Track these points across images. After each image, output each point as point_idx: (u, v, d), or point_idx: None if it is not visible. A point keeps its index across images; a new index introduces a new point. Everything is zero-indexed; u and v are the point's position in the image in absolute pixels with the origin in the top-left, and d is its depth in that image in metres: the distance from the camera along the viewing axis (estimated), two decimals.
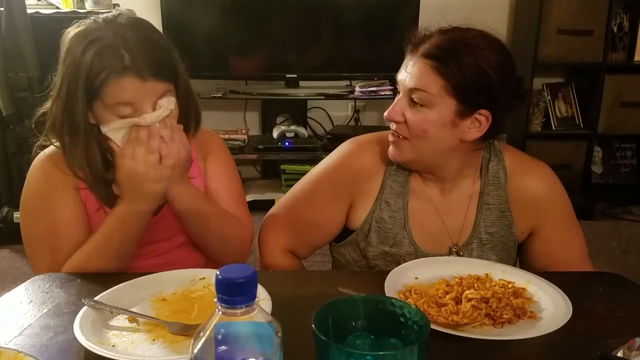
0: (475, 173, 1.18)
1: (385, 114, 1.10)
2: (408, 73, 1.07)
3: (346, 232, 1.22)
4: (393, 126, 1.10)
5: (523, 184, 1.16)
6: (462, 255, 1.16)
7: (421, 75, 1.05)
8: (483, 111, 1.05)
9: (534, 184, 1.16)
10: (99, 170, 1.07)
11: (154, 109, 1.02)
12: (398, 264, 1.14)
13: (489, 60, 1.03)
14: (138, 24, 1.05)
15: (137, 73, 0.99)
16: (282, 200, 1.26)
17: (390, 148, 1.13)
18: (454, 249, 1.17)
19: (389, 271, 0.97)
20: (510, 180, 1.16)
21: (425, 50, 1.05)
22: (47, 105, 1.07)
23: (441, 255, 1.16)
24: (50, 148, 1.11)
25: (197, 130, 1.18)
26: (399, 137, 1.10)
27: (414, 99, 1.06)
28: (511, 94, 1.08)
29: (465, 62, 1.02)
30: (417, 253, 1.16)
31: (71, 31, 1.03)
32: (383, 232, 1.17)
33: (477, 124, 1.07)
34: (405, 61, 1.09)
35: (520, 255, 1.23)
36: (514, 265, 1.22)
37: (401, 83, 1.09)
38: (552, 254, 1.16)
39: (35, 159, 1.12)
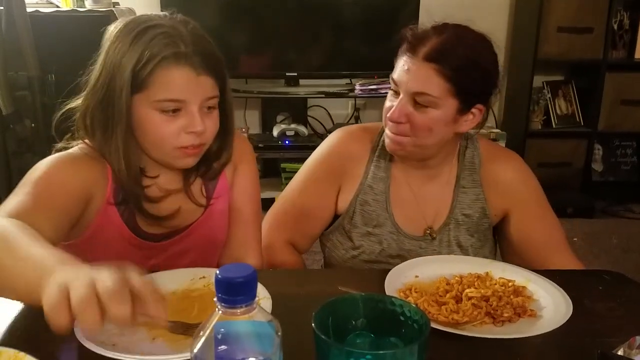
0: (454, 159, 1.24)
1: (389, 115, 1.11)
2: (410, 76, 1.08)
3: (334, 217, 1.27)
4: (393, 128, 1.12)
5: (495, 169, 1.23)
6: (434, 238, 1.21)
7: (425, 79, 1.06)
8: (478, 105, 1.12)
9: (505, 170, 1.23)
10: (135, 168, 1.00)
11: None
12: (380, 243, 1.21)
13: (486, 58, 1.10)
14: (194, 23, 1.00)
15: (192, 65, 0.94)
16: (279, 197, 1.30)
17: (389, 142, 1.16)
18: (427, 231, 1.22)
19: (389, 270, 0.97)
20: (484, 165, 1.23)
21: (426, 54, 1.06)
22: (77, 101, 1.00)
23: (419, 236, 1.22)
24: (70, 151, 1.03)
25: (231, 150, 1.11)
26: (397, 134, 1.13)
27: (419, 102, 1.08)
28: (497, 86, 1.14)
29: (467, 64, 1.07)
30: (399, 233, 1.22)
31: (118, 24, 0.97)
32: (367, 214, 1.22)
33: (472, 117, 1.13)
34: (402, 61, 1.10)
35: (500, 242, 1.28)
36: (494, 249, 1.29)
37: (402, 85, 1.09)
38: (529, 238, 1.21)
39: (53, 156, 1.01)
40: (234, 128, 1.10)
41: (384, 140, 1.20)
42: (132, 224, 1.05)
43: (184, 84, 0.94)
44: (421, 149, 1.14)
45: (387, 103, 1.14)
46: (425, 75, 1.06)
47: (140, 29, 0.94)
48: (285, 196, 1.29)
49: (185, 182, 1.09)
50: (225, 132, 1.07)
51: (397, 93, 1.12)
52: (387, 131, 1.16)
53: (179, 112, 0.96)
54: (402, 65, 1.10)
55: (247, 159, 1.19)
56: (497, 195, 1.22)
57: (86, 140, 1.02)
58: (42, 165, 0.98)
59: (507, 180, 1.22)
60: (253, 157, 1.21)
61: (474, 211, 1.22)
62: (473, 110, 1.12)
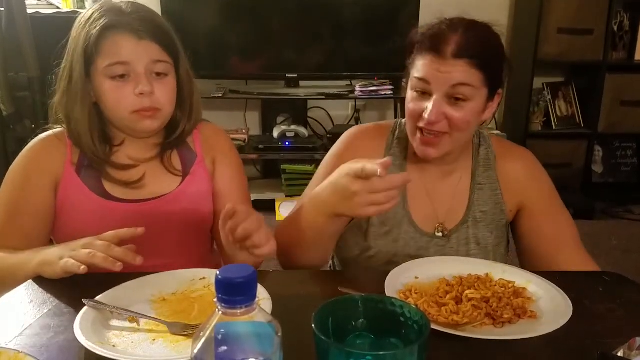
0: (468, 156, 1.25)
1: (428, 117, 1.08)
2: (444, 73, 1.06)
3: None
4: (429, 126, 1.10)
5: (508, 165, 1.24)
6: (446, 235, 1.21)
7: (462, 72, 1.07)
8: (499, 90, 1.15)
9: (518, 165, 1.24)
10: (95, 135, 1.11)
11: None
12: (397, 242, 1.19)
13: (497, 42, 1.13)
14: (144, 5, 1.12)
15: (132, 30, 1.06)
16: (298, 201, 1.27)
17: (423, 148, 1.13)
18: (439, 228, 1.22)
19: (389, 271, 0.97)
20: (498, 162, 1.24)
21: (455, 52, 1.06)
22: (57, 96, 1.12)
23: (433, 233, 1.21)
24: (56, 129, 1.16)
25: (198, 122, 1.21)
26: (434, 134, 1.11)
27: (457, 96, 1.08)
28: (510, 68, 1.17)
29: (489, 52, 1.10)
30: (416, 232, 1.21)
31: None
32: (383, 213, 1.18)
33: (492, 103, 1.15)
34: (428, 62, 1.08)
35: (515, 237, 1.27)
36: (507, 246, 1.28)
37: (437, 84, 1.07)
38: (541, 231, 1.20)
39: (37, 137, 1.16)
40: (195, 100, 1.19)
41: (397, 138, 1.23)
42: (99, 190, 1.13)
43: (127, 47, 1.05)
44: (456, 144, 1.15)
45: (412, 105, 1.12)
46: (460, 69, 1.07)
47: (88, 15, 1.08)
48: (304, 198, 1.25)
49: (162, 150, 1.18)
50: (182, 101, 1.16)
51: (424, 94, 1.10)
52: (417, 137, 1.13)
53: (127, 78, 1.07)
54: (429, 65, 1.08)
55: (224, 149, 1.24)
56: (510, 191, 1.23)
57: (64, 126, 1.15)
58: (16, 166, 1.13)
59: (519, 176, 1.23)
60: (230, 146, 1.26)
61: (491, 207, 1.22)
62: (495, 95, 1.14)
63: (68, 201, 1.13)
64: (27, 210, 1.11)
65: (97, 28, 1.04)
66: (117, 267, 0.90)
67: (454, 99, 1.08)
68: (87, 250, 0.92)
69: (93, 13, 1.07)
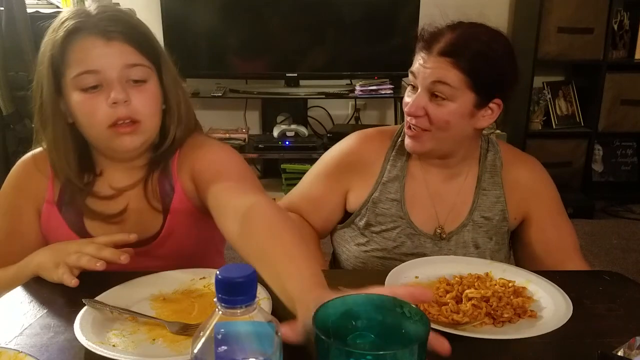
0: (474, 160, 1.24)
1: (406, 109, 1.14)
2: (427, 69, 1.10)
3: (347, 214, 1.28)
4: (412, 121, 1.14)
5: (516, 172, 1.24)
6: (445, 238, 1.21)
7: (443, 71, 1.09)
8: (496, 100, 1.13)
9: (526, 172, 1.24)
10: (71, 160, 1.03)
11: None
12: (394, 240, 1.21)
13: (501, 53, 1.11)
14: (115, 6, 1.04)
15: (100, 32, 0.94)
16: (288, 194, 1.31)
17: (408, 141, 1.17)
18: (438, 231, 1.22)
19: (389, 270, 0.97)
20: (505, 168, 1.24)
21: (440, 50, 1.09)
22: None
23: (432, 234, 1.22)
24: (38, 149, 1.10)
25: (191, 131, 1.08)
26: (417, 129, 1.14)
27: (436, 93, 1.10)
28: (515, 81, 1.16)
29: (481, 57, 1.09)
30: (414, 232, 1.21)
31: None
32: (380, 212, 1.23)
33: (490, 112, 1.14)
34: (419, 58, 1.13)
35: (516, 244, 1.27)
36: (508, 254, 1.28)
37: (420, 76, 1.12)
38: (545, 241, 1.20)
39: (20, 159, 1.11)
40: (185, 109, 1.06)
41: (402, 140, 1.24)
42: (78, 228, 1.07)
43: (95, 51, 0.94)
44: (440, 143, 1.15)
45: (406, 99, 1.16)
46: (442, 67, 1.09)
47: (55, 25, 0.97)
48: (295, 192, 1.30)
49: (148, 171, 1.07)
50: (169, 111, 1.04)
51: (415, 88, 1.14)
52: (406, 129, 1.17)
53: (100, 88, 0.96)
54: (419, 60, 1.13)
55: (200, 150, 1.07)
56: (517, 198, 1.22)
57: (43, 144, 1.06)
58: (3, 192, 1.10)
59: (527, 183, 1.22)
60: (205, 141, 1.10)
61: (494, 214, 1.22)
62: (491, 105, 1.13)
63: (48, 235, 1.09)
64: (22, 226, 1.09)
65: (61, 34, 0.94)
66: (99, 266, 0.90)
67: (434, 96, 1.10)
68: (77, 255, 0.92)
69: (60, 19, 0.97)
